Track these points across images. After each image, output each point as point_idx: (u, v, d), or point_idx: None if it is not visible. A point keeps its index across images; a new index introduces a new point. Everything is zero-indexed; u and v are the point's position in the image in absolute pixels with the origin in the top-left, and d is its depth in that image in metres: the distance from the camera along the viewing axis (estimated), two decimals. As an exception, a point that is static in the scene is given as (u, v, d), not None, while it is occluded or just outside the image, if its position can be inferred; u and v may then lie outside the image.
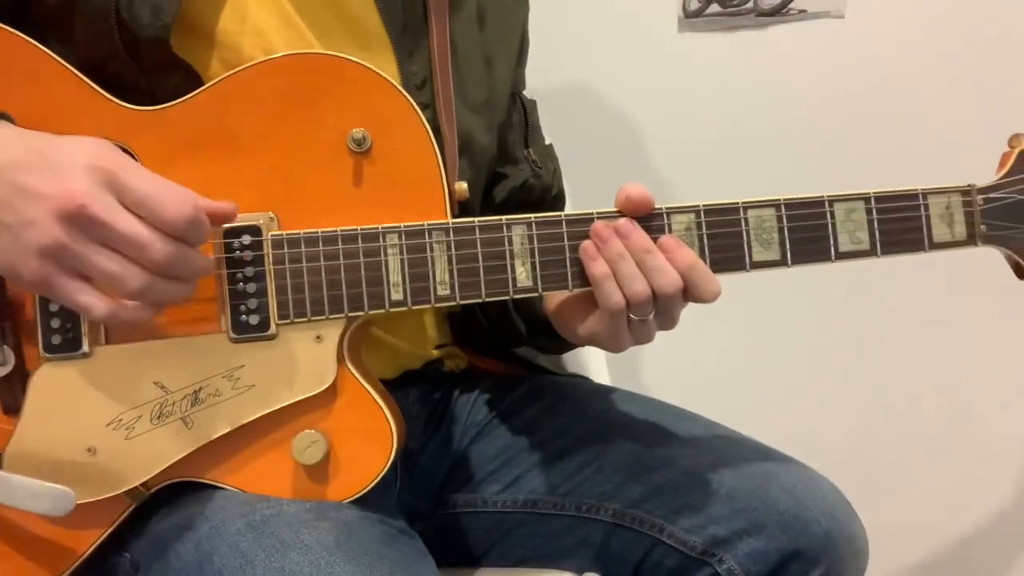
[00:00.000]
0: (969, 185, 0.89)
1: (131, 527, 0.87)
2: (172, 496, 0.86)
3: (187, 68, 0.87)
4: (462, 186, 0.91)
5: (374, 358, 0.86)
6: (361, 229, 0.84)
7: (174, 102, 0.85)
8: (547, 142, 1.18)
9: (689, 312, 1.65)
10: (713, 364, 1.73)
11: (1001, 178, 0.90)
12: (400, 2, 0.98)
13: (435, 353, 1.10)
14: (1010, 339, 1.57)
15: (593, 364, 1.32)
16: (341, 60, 0.85)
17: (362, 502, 0.86)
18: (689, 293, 0.86)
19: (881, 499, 1.69)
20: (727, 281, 1.62)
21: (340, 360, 0.85)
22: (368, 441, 0.84)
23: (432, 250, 0.85)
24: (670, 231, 0.87)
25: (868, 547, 0.99)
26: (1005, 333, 1.58)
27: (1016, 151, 0.91)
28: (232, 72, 0.85)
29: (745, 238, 0.87)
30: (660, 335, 1.68)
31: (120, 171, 0.74)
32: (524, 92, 1.19)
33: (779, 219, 0.87)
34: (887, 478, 1.68)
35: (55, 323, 0.82)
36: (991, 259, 1.47)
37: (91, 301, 0.74)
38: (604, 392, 1.14)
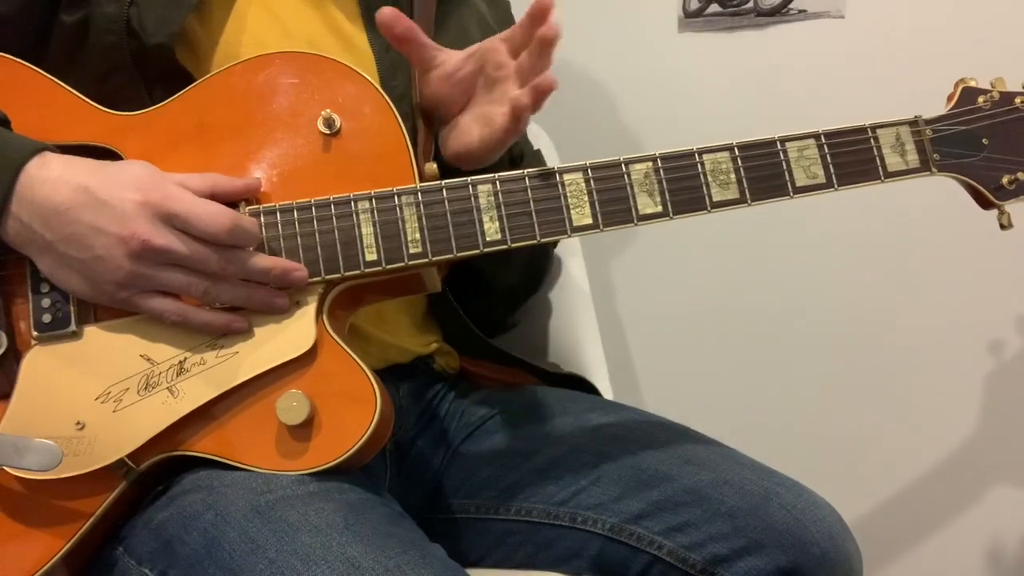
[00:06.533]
0: (916, 116, 0.93)
1: (131, 520, 0.87)
2: (170, 487, 0.87)
3: (188, 79, 0.94)
4: (432, 166, 0.95)
5: (361, 350, 0.88)
6: (333, 197, 0.88)
7: (156, 105, 0.92)
8: (535, 148, 1.23)
9: (692, 329, 1.68)
10: (713, 381, 1.72)
11: (948, 111, 0.93)
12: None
13: (423, 349, 1.12)
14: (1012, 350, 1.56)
15: (595, 373, 1.32)
16: (306, 55, 0.92)
17: (359, 486, 0.86)
18: None
19: (876, 520, 1.64)
20: (731, 296, 1.63)
21: (320, 324, 0.87)
22: (351, 403, 0.85)
23: (402, 211, 0.88)
24: (629, 179, 0.90)
25: (863, 570, 0.98)
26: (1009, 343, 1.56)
27: (960, 87, 0.94)
28: (208, 76, 0.92)
29: (703, 180, 0.90)
30: (663, 357, 1.68)
31: (165, 201, 0.82)
32: None
33: (734, 160, 0.90)
34: (884, 498, 1.65)
35: (45, 302, 0.86)
36: (994, 269, 1.49)
37: (164, 306, 0.85)
38: (604, 406, 1.14)
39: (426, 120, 1.03)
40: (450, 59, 0.95)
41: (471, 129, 0.96)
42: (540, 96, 0.88)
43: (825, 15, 1.56)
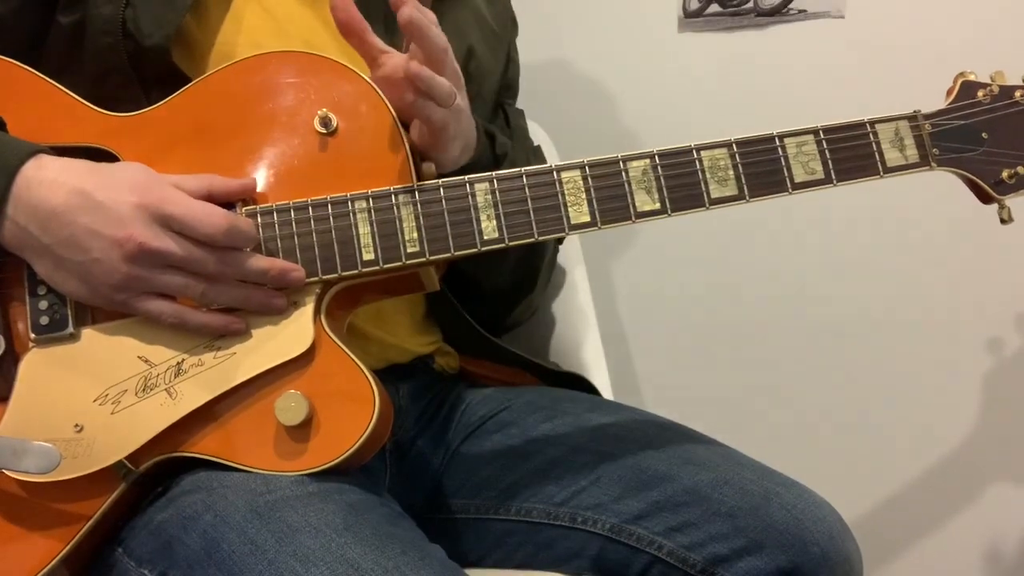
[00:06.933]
0: (915, 111, 0.93)
1: (130, 522, 0.87)
2: (169, 489, 0.87)
3: (185, 80, 0.93)
4: (430, 166, 0.95)
5: (360, 350, 0.88)
6: (330, 197, 0.88)
7: (153, 106, 0.92)
8: (535, 144, 1.23)
9: (692, 328, 1.68)
10: (713, 381, 1.71)
11: (947, 105, 0.93)
12: (383, 25, 1.05)
13: (423, 349, 1.12)
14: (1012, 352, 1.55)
15: (594, 373, 1.31)
16: (303, 54, 0.92)
17: (358, 487, 0.86)
18: None
19: (876, 520, 1.64)
20: (731, 296, 1.63)
21: (317, 324, 0.87)
22: (350, 403, 0.85)
23: (399, 211, 0.88)
24: (627, 176, 0.89)
25: (863, 570, 0.98)
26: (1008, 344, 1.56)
27: (960, 81, 0.94)
28: (204, 76, 0.92)
29: (701, 177, 0.90)
30: (663, 357, 1.67)
31: (162, 203, 0.82)
32: (516, 99, 1.26)
33: (732, 157, 0.90)
34: (884, 498, 1.65)
35: (42, 304, 0.86)
36: (995, 266, 1.49)
37: (161, 308, 0.84)
38: (604, 405, 1.14)
39: None
40: (390, 61, 0.92)
41: (413, 129, 0.94)
42: (411, 32, 0.86)
43: (825, 15, 1.55)
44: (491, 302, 1.18)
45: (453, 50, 1.07)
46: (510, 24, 1.28)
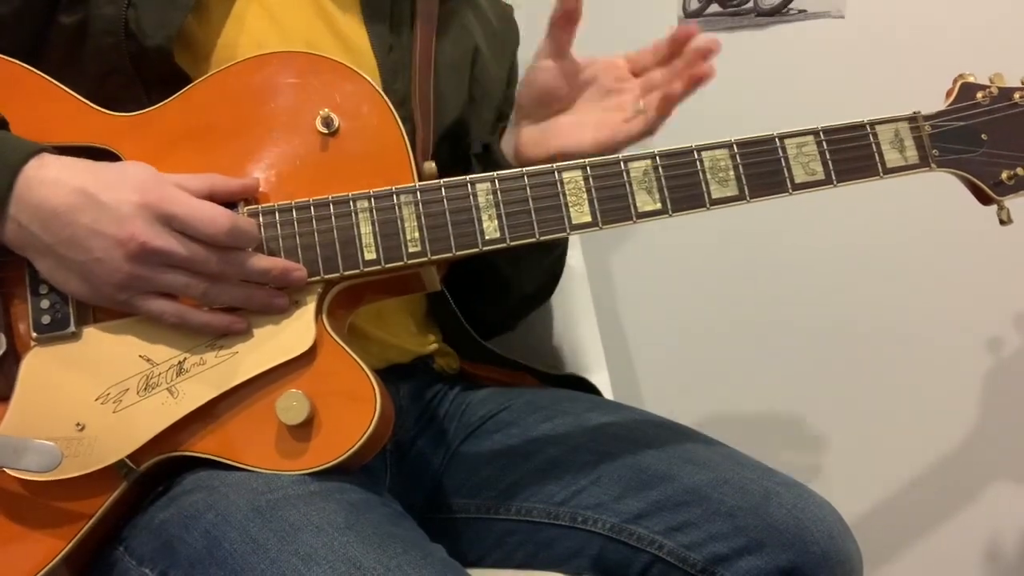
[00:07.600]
0: (915, 112, 0.93)
1: (132, 521, 0.87)
2: (171, 488, 0.87)
3: (186, 80, 0.93)
4: (430, 165, 0.95)
5: (361, 349, 0.88)
6: (332, 197, 0.88)
7: (154, 106, 0.92)
8: None
9: (692, 328, 1.68)
10: (713, 381, 1.72)
11: (947, 106, 0.93)
12: (387, 25, 1.06)
13: (423, 349, 1.12)
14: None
15: (594, 373, 1.32)
16: (304, 55, 0.92)
17: (359, 486, 0.86)
18: None
19: (876, 520, 1.64)
20: (731, 296, 1.63)
21: (319, 324, 0.87)
22: (351, 402, 0.85)
23: (400, 211, 0.88)
24: (628, 177, 0.90)
25: (863, 570, 0.98)
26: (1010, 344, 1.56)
27: (959, 83, 0.94)
28: (206, 76, 0.92)
29: (702, 177, 0.90)
30: (663, 357, 1.67)
31: (164, 203, 0.82)
32: None
33: (733, 157, 0.90)
34: (884, 498, 1.65)
35: (44, 303, 0.86)
36: (995, 266, 1.49)
37: (163, 307, 0.84)
38: (604, 405, 1.14)
39: (424, 119, 1.03)
40: (594, 62, 1.00)
41: (580, 132, 0.99)
42: (694, 83, 0.95)
43: (825, 15, 1.56)
44: (513, 306, 1.18)
45: (461, 50, 1.07)
46: (512, 26, 1.28)
